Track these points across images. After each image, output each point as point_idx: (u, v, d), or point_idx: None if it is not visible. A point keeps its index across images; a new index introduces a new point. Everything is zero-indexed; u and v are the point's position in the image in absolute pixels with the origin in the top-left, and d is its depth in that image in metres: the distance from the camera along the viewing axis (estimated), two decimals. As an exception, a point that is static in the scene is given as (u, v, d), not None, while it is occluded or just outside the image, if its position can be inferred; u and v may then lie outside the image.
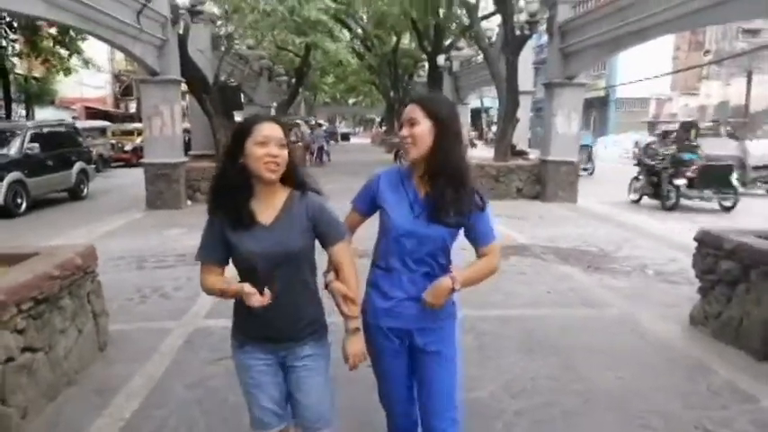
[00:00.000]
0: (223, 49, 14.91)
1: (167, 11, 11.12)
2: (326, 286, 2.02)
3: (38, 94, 24.06)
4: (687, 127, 13.71)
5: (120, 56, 28.84)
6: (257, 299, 1.83)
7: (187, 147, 14.65)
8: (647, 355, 4.06)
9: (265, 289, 1.85)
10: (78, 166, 13.13)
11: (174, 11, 11.35)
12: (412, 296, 2.02)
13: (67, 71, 20.96)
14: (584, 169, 15.95)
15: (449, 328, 2.11)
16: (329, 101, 52.40)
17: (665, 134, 14.24)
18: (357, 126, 74.82)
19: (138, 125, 21.78)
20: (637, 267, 6.53)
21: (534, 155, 14.33)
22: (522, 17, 12.25)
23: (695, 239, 4.58)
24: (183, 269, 6.27)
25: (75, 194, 13.04)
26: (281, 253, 1.89)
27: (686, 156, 11.88)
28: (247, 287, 1.85)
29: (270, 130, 1.87)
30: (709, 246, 4.39)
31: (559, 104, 12.05)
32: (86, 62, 21.16)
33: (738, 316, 4.05)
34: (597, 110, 36.53)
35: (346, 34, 25.00)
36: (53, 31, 18.35)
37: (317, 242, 2.00)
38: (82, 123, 19.84)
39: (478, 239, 2.06)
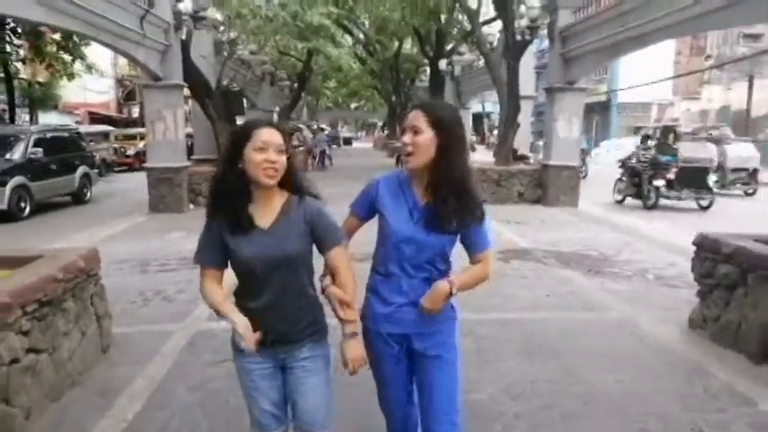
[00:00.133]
0: (225, 54, 15.00)
1: (170, 17, 11.20)
2: (323, 291, 2.02)
3: (41, 99, 24.19)
4: (666, 131, 14.53)
5: (123, 61, 28.97)
6: (248, 339, 1.84)
7: (190, 151, 14.72)
8: (647, 358, 4.09)
9: (258, 333, 1.87)
10: (81, 170, 13.20)
11: (177, 17, 11.41)
12: (411, 301, 2.01)
13: (71, 76, 21.07)
14: None
15: (448, 331, 2.10)
16: (331, 105, 52.53)
17: (645, 138, 14.81)
18: (359, 130, 74.98)
19: (140, 130, 21.91)
20: (637, 271, 6.55)
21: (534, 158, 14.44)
22: (523, 22, 12.30)
23: (694, 243, 4.61)
24: (186, 272, 6.31)
25: (78, 198, 13.12)
26: (279, 257, 1.90)
27: (664, 158, 12.49)
28: (240, 327, 1.85)
29: (269, 135, 1.86)
30: (707, 250, 4.41)
31: (560, 109, 12.10)
32: (89, 67, 21.29)
33: (737, 319, 4.07)
34: (599, 114, 36.55)
35: (348, 39, 25.10)
36: (57, 36, 18.45)
37: (314, 246, 2.01)
38: (85, 128, 19.95)
39: (474, 246, 2.06)
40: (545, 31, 12.65)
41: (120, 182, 18.00)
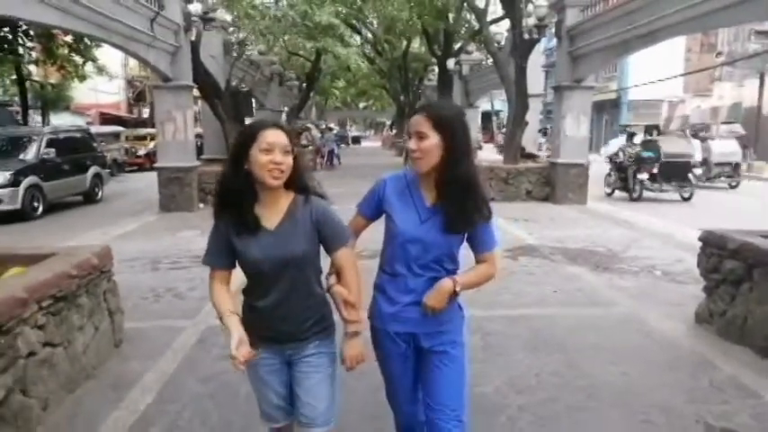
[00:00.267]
0: (234, 54, 15.11)
1: (180, 18, 11.32)
2: (328, 289, 2.04)
3: (53, 101, 24.44)
4: (649, 128, 15.60)
5: (133, 62, 29.21)
6: (239, 356, 1.81)
7: (199, 151, 14.85)
8: (652, 353, 4.11)
9: (250, 351, 1.84)
10: (93, 170, 13.36)
11: (187, 18, 11.55)
12: (417, 301, 2.01)
13: (82, 78, 21.30)
14: None
15: (456, 331, 2.11)
16: (340, 105, 52.63)
17: (631, 135, 15.84)
18: (368, 129, 75.09)
19: (151, 130, 22.11)
20: (644, 267, 6.56)
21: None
22: (531, 21, 12.29)
23: (700, 239, 4.63)
24: (197, 270, 6.39)
25: (89, 198, 13.27)
26: (286, 257, 1.91)
27: (647, 154, 13.28)
28: (234, 342, 1.82)
29: (274, 136, 1.86)
30: (713, 245, 4.43)
31: (568, 107, 12.10)
32: (100, 69, 21.50)
33: (742, 314, 4.09)
34: (609, 112, 36.38)
35: (357, 39, 25.17)
36: (68, 38, 18.66)
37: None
38: (96, 129, 20.14)
39: (480, 246, 2.06)
40: (553, 30, 12.65)
41: (130, 182, 18.18)
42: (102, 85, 28.04)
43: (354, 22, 21.70)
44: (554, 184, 12.25)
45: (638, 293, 5.58)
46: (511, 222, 9.45)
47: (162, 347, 4.20)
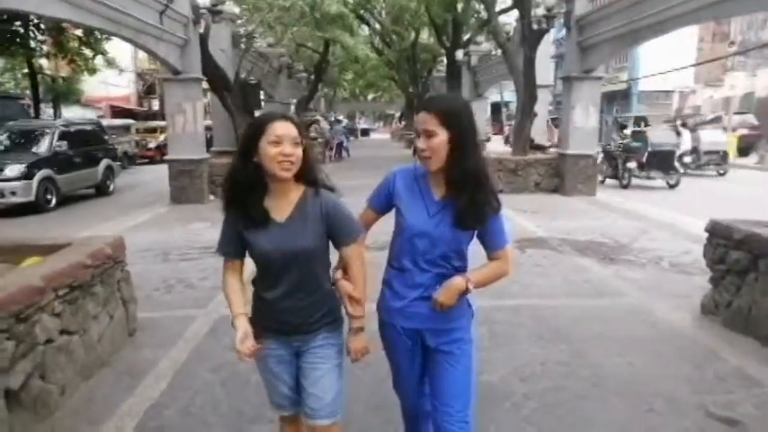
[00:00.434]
0: (243, 47, 15.15)
1: (189, 11, 11.38)
2: (333, 283, 2.05)
3: (65, 94, 24.66)
4: (638, 120, 16.95)
5: (143, 55, 29.36)
6: (243, 354, 1.92)
7: (209, 143, 14.95)
8: (658, 343, 4.14)
9: (254, 345, 1.94)
10: (104, 163, 13.53)
11: (196, 11, 11.61)
12: (425, 297, 2.00)
13: (92, 71, 21.45)
14: None
15: (463, 329, 2.09)
16: (348, 97, 52.59)
17: (622, 126, 16.68)
18: (377, 121, 75.00)
19: (161, 123, 22.24)
20: (652, 259, 6.57)
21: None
22: (540, 11, 12.25)
23: (706, 230, 4.64)
24: (208, 261, 6.50)
25: (101, 190, 13.43)
26: (295, 250, 1.91)
27: (635, 144, 14.28)
28: (239, 335, 1.93)
29: (283, 128, 1.85)
30: (719, 236, 4.45)
31: (577, 98, 12.06)
32: (110, 63, 21.64)
33: (748, 305, 4.11)
34: (619, 103, 36.14)
35: (365, 30, 25.14)
36: (79, 32, 18.79)
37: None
38: (107, 121, 20.30)
39: (492, 243, 2.04)
40: (562, 20, 12.59)
41: (141, 174, 18.34)
42: (112, 79, 28.27)
43: (362, 12, 21.67)
44: (563, 176, 12.23)
45: (645, 285, 5.60)
46: (519, 214, 9.47)
47: (174, 337, 4.29)
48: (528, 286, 5.49)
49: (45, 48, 19.72)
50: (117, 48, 21.24)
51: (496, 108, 36.28)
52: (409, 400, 2.28)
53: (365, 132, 51.94)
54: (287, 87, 23.15)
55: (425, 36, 27.52)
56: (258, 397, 3.15)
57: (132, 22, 9.61)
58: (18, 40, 17.76)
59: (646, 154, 13.76)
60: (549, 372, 3.66)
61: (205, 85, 12.95)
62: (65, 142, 11.90)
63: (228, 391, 3.43)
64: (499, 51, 16.50)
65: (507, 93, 33.67)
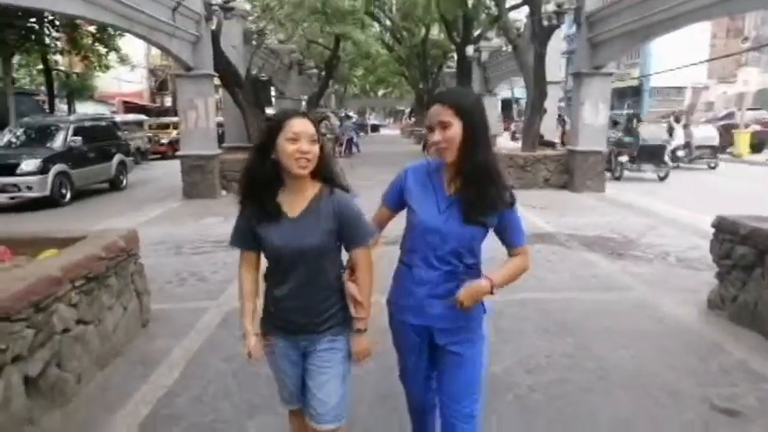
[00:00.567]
0: (254, 43, 15.25)
1: (201, 8, 11.48)
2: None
3: (79, 90, 24.92)
4: (630, 117, 17.14)
5: (155, 51, 29.59)
6: (250, 347, 2.06)
7: (221, 139, 15.08)
8: (664, 337, 4.17)
9: (260, 346, 2.06)
10: (118, 158, 13.68)
11: (208, 8, 11.71)
12: (434, 295, 2.00)
13: (105, 68, 21.67)
14: None
15: (474, 327, 2.08)
16: (359, 93, 52.68)
17: (615, 123, 17.06)
18: (387, 118, 75.04)
19: (173, 119, 22.45)
20: (659, 254, 6.59)
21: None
22: (550, 7, 12.20)
23: (712, 225, 4.66)
24: (221, 254, 6.61)
25: (114, 185, 13.60)
26: (304, 247, 1.91)
27: (627, 139, 15.06)
28: (247, 334, 2.06)
29: (300, 125, 1.87)
30: (725, 231, 4.46)
31: (587, 94, 12.02)
32: (123, 59, 21.84)
33: (753, 299, 4.13)
34: (631, 99, 35.90)
35: (376, 26, 25.17)
36: (92, 28, 18.99)
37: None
38: (120, 117, 20.52)
39: (511, 239, 2.04)
40: (572, 16, 12.54)
41: (153, 169, 18.52)
42: (125, 75, 28.49)
43: (373, 8, 21.69)
44: (572, 172, 12.21)
45: (652, 280, 5.62)
46: (528, 210, 9.48)
47: (186, 328, 4.39)
48: (535, 281, 5.51)
49: (59, 44, 19.95)
50: (130, 44, 21.45)
51: (507, 104, 36.17)
52: (415, 394, 2.29)
53: (375, 128, 52.01)
54: (298, 84, 23.24)
55: (436, 32, 27.49)
56: (269, 387, 3.21)
57: (145, 19, 9.73)
58: (33, 36, 17.98)
59: (637, 148, 14.58)
60: (555, 364, 3.71)
61: (217, 81, 13.06)
62: (79, 138, 12.06)
63: (240, 380, 3.51)
64: (509, 47, 16.49)
65: (518, 89, 33.60)
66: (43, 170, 10.75)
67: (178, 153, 12.48)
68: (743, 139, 20.07)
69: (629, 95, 35.63)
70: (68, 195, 11.46)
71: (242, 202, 2.01)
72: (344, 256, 2.10)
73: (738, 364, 3.67)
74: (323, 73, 23.74)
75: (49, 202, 10.87)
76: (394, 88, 48.81)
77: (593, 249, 6.87)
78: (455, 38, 21.47)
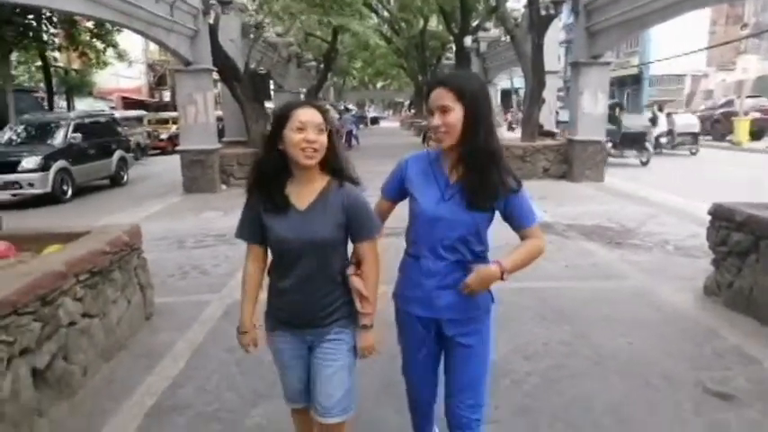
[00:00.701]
0: (253, 37, 15.25)
1: (198, 2, 11.50)
2: (345, 277, 2.03)
3: (77, 86, 24.93)
4: (613, 106, 17.60)
5: (153, 46, 29.59)
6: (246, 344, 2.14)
7: (221, 134, 15.11)
8: (660, 324, 4.23)
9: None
10: (118, 154, 13.73)
11: (205, 2, 11.71)
12: (443, 285, 1.97)
13: (104, 64, 21.65)
14: None
15: (482, 322, 2.07)
16: (358, 85, 52.61)
17: None
18: (386, 110, 74.96)
19: (173, 114, 22.44)
20: (658, 243, 6.64)
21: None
22: (548, -3, 12.21)
23: (709, 213, 4.71)
24: (222, 248, 6.67)
25: (115, 181, 13.65)
26: (311, 239, 1.90)
27: (610, 127, 14.89)
28: (245, 339, 2.13)
29: (307, 115, 1.85)
30: (721, 218, 4.51)
31: (586, 84, 12.04)
32: (121, 56, 21.83)
33: (749, 285, 4.19)
34: (631, 88, 35.82)
35: (374, 18, 25.12)
36: (90, 24, 18.98)
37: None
38: (120, 113, 20.56)
39: (519, 221, 1.98)
40: (570, 5, 12.54)
41: (154, 165, 18.56)
42: (123, 70, 28.53)
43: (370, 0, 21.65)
44: (571, 162, 12.25)
45: (650, 268, 5.68)
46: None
47: (190, 320, 4.45)
48: (533, 269, 5.44)
49: (57, 41, 19.94)
50: (128, 39, 21.43)
51: (507, 94, 36.10)
52: (419, 390, 2.27)
53: (375, 121, 51.99)
54: (296, 77, 23.24)
55: (434, 23, 27.45)
56: (272, 375, 3.26)
57: (143, 15, 9.75)
58: (31, 33, 17.98)
59: (620, 135, 15.43)
60: (552, 351, 3.78)
61: (215, 75, 13.08)
62: (79, 134, 12.12)
63: (243, 370, 3.57)
64: (508, 37, 16.48)
65: (517, 79, 33.55)
66: (44, 167, 10.81)
67: (178, 148, 12.53)
68: (742, 127, 20.07)
69: (629, 84, 35.56)
70: (69, 192, 11.51)
71: (249, 192, 2.00)
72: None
73: (732, 348, 3.73)
74: (321, 66, 23.74)
75: (51, 199, 10.93)
76: (393, 80, 48.77)
77: (591, 238, 6.92)
78: (453, 29, 21.44)
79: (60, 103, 23.99)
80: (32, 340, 2.85)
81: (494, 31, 21.09)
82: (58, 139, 11.79)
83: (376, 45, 21.47)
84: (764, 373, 3.35)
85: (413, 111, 39.61)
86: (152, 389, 3.37)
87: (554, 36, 15.32)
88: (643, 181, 11.94)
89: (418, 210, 1.98)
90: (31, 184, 10.66)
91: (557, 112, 18.60)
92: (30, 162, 10.71)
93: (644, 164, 15.31)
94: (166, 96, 35.62)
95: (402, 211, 2.21)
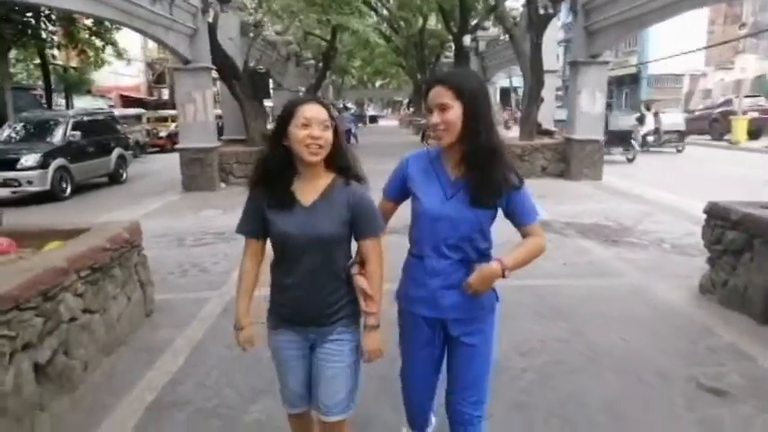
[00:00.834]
0: (252, 35, 15.26)
1: (197, 0, 11.50)
2: (350, 276, 2.02)
3: (76, 84, 24.91)
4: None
5: (152, 44, 29.56)
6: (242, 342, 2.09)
7: (220, 132, 15.12)
8: (655, 321, 4.27)
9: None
10: (117, 152, 13.75)
11: (204, 0, 11.73)
12: (447, 285, 1.97)
13: (102, 61, 21.62)
14: None
15: (486, 321, 2.06)
16: (356, 84, 52.60)
17: None
18: (385, 108, 74.99)
19: (171, 112, 22.46)
20: (654, 241, 6.68)
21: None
22: (546, -4, 12.24)
23: (704, 211, 4.75)
24: (221, 246, 6.71)
25: (114, 179, 13.66)
26: (316, 235, 1.89)
27: None
28: (241, 337, 2.09)
29: (312, 111, 1.84)
30: (717, 217, 4.56)
31: (584, 83, 12.08)
32: (119, 54, 21.81)
33: (743, 283, 4.23)
34: (629, 87, 35.88)
35: (373, 16, 25.14)
36: (89, 22, 18.97)
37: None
38: (119, 111, 20.55)
39: (521, 218, 1.97)
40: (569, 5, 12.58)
41: (152, 163, 18.58)
42: (122, 68, 28.48)
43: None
44: (569, 161, 12.29)
45: (646, 266, 5.72)
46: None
47: (189, 317, 4.49)
48: (532, 267, 5.48)
49: (56, 39, 19.93)
50: (126, 37, 21.42)
51: (505, 93, 36.13)
52: (415, 391, 2.24)
53: (373, 119, 52.00)
54: (295, 75, 23.25)
55: (433, 22, 27.49)
56: (270, 373, 3.26)
57: (143, 13, 9.76)
58: (30, 31, 17.96)
59: (605, 134, 15.50)
60: (548, 348, 3.81)
61: (214, 74, 13.10)
62: (78, 132, 12.13)
63: (242, 366, 3.60)
64: (507, 36, 16.51)
65: (516, 78, 33.58)
66: (43, 165, 10.84)
67: (177, 146, 12.53)
68: (740, 126, 20.12)
69: (628, 83, 35.62)
70: (68, 189, 11.53)
71: (253, 188, 1.99)
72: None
73: (726, 345, 3.77)
74: (320, 64, 23.76)
75: (50, 197, 10.95)
76: (392, 79, 48.77)
77: (588, 237, 6.96)
78: (452, 27, 21.49)
79: (59, 100, 23.98)
80: (34, 335, 2.88)
81: (493, 29, 21.13)
82: (57, 136, 11.82)
83: (375, 43, 21.48)
84: (758, 370, 3.40)
85: (411, 109, 39.64)
86: (152, 384, 3.40)
87: (553, 35, 15.34)
88: (628, 176, 12.38)
89: (421, 209, 1.97)
90: (30, 182, 10.68)
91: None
92: (29, 160, 10.74)
93: (630, 161, 15.83)
94: (165, 94, 35.61)
95: (402, 208, 2.22)
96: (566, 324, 4.22)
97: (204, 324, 4.35)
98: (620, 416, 2.97)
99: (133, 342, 4.02)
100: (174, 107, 19.22)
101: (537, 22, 12.51)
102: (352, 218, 1.93)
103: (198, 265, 6.05)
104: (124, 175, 14.06)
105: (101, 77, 27.58)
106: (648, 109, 20.00)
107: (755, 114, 21.27)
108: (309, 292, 1.94)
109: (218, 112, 16.62)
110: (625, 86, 35.87)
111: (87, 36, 19.81)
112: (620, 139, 16.00)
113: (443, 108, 1.85)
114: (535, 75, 12.76)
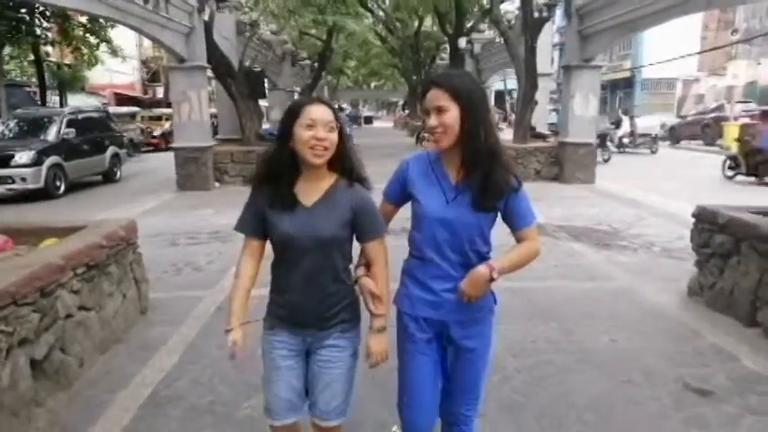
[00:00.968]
0: (247, 34, 15.28)
1: (194, -1, 11.53)
2: (356, 281, 2.00)
3: (70, 81, 24.81)
4: None
5: (147, 43, 29.53)
6: (232, 353, 1.96)
7: (214, 131, 15.11)
8: (643, 323, 4.35)
9: (240, 355, 1.95)
10: (111, 150, 13.70)
11: (200, -1, 11.76)
12: (450, 287, 1.95)
13: (95, 59, 21.56)
14: None
15: (485, 323, 2.04)
16: (352, 85, 52.64)
17: None
18: (380, 110, 75.08)
19: (166, 111, 22.39)
20: (644, 244, 6.77)
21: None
22: (541, 0, 12.33)
23: (693, 215, 4.83)
24: (215, 245, 6.74)
25: (108, 177, 13.63)
26: (315, 237, 1.87)
27: None
28: (231, 340, 1.94)
29: (318, 112, 1.82)
30: (705, 221, 4.64)
31: (577, 86, 12.19)
32: (114, 52, 21.76)
33: (730, 286, 4.30)
34: (622, 91, 36.11)
35: (369, 17, 25.18)
36: (83, 19, 18.92)
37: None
38: (113, 109, 20.48)
39: (517, 221, 1.95)
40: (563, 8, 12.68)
41: (146, 162, 18.54)
42: (116, 66, 28.37)
43: None
44: (562, 164, 12.39)
45: (635, 269, 5.80)
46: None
47: (183, 315, 4.52)
48: (525, 270, 5.60)
49: (50, 35, 19.87)
50: (121, 35, 21.38)
51: (500, 96, 36.30)
52: (420, 414, 2.10)
53: (368, 120, 52.11)
54: (291, 75, 23.25)
55: (429, 24, 27.55)
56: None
57: (138, 11, 9.77)
58: (24, 28, 17.91)
59: None
60: (539, 348, 3.87)
61: (210, 73, 13.11)
62: (72, 130, 12.10)
63: (236, 363, 3.63)
64: (502, 39, 16.61)
65: (511, 81, 33.72)
66: (37, 162, 10.81)
67: (172, 145, 12.53)
68: (731, 132, 20.29)
69: (621, 87, 35.86)
70: (62, 187, 11.51)
71: (255, 187, 1.97)
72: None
73: (712, 347, 3.85)
74: (316, 64, 23.75)
75: (43, 195, 10.92)
76: (387, 80, 48.82)
77: (580, 240, 7.04)
78: (448, 29, 21.57)
79: (53, 98, 23.88)
80: (31, 331, 2.91)
81: (488, 32, 21.26)
82: (51, 134, 11.78)
83: (371, 45, 21.56)
84: (743, 371, 3.47)
85: (407, 111, 39.71)
86: (147, 380, 3.44)
87: (547, 39, 15.49)
88: (604, 174, 13.00)
89: (422, 212, 1.95)
90: (23, 179, 10.65)
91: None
92: (22, 157, 10.71)
93: (605, 161, 16.69)
94: (160, 93, 35.47)
95: (400, 210, 2.24)
96: (556, 325, 4.29)
97: (198, 322, 4.39)
98: (608, 415, 3.03)
99: (128, 339, 4.05)
100: (168, 106, 19.20)
101: (531, 26, 12.61)
102: (355, 220, 1.92)
103: (192, 263, 6.08)
104: (118, 174, 14.03)
105: (95, 75, 27.45)
106: (626, 113, 21.79)
107: (747, 120, 21.45)
108: (308, 294, 1.93)
109: (213, 111, 16.62)
110: (619, 90, 36.12)
111: (82, 33, 19.78)
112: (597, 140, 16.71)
113: (440, 110, 1.83)
114: (529, 78, 12.84)
